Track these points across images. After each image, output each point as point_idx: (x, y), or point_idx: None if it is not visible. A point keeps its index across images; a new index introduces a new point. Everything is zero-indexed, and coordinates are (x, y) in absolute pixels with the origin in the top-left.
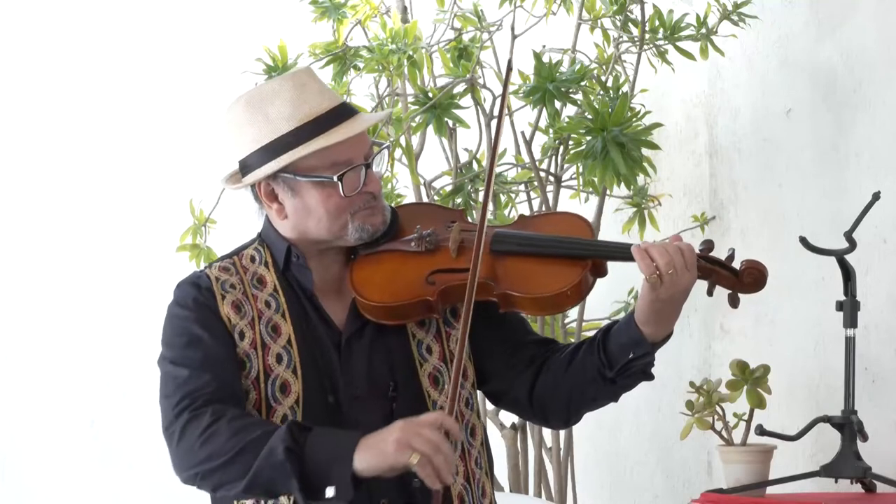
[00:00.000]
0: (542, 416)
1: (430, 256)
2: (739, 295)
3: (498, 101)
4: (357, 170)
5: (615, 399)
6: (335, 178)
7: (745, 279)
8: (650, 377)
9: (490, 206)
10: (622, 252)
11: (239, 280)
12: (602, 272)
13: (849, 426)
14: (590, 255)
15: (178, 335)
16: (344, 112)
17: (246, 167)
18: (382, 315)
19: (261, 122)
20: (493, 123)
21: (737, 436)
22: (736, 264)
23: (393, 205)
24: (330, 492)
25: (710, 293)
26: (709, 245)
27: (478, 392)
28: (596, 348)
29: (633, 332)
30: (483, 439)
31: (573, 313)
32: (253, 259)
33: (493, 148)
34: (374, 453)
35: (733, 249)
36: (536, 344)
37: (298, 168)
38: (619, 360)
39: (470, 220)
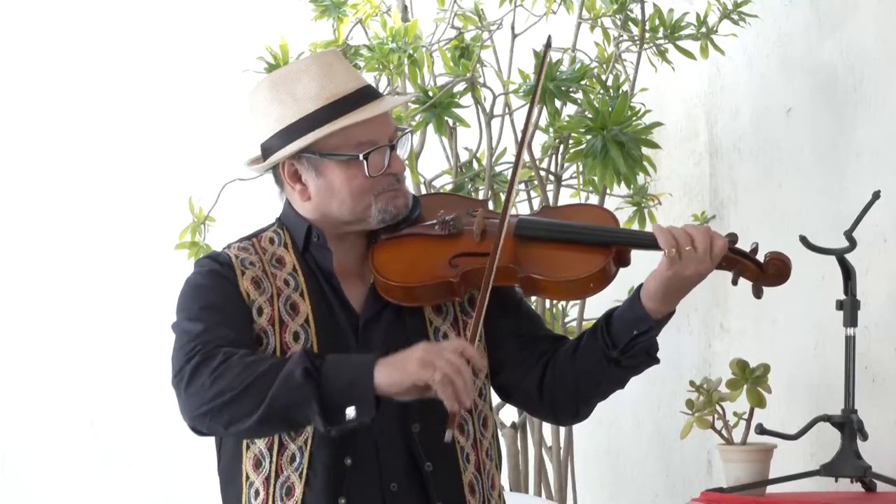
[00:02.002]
0: (551, 409)
1: (453, 240)
2: (763, 287)
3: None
4: (382, 151)
5: (622, 385)
6: (361, 157)
7: (769, 271)
8: (655, 360)
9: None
10: (647, 240)
11: (258, 259)
12: (625, 261)
13: (849, 425)
14: (614, 242)
15: (195, 300)
16: (369, 93)
17: (269, 149)
18: (402, 296)
19: (287, 100)
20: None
21: (737, 435)
22: (760, 256)
23: None
24: (350, 412)
25: (734, 282)
26: (732, 237)
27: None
28: (599, 332)
29: (636, 309)
30: (494, 432)
31: (573, 312)
32: (272, 241)
33: (526, 125)
34: (396, 369)
35: (757, 243)
36: (549, 339)
37: (323, 147)
38: (623, 339)
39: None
